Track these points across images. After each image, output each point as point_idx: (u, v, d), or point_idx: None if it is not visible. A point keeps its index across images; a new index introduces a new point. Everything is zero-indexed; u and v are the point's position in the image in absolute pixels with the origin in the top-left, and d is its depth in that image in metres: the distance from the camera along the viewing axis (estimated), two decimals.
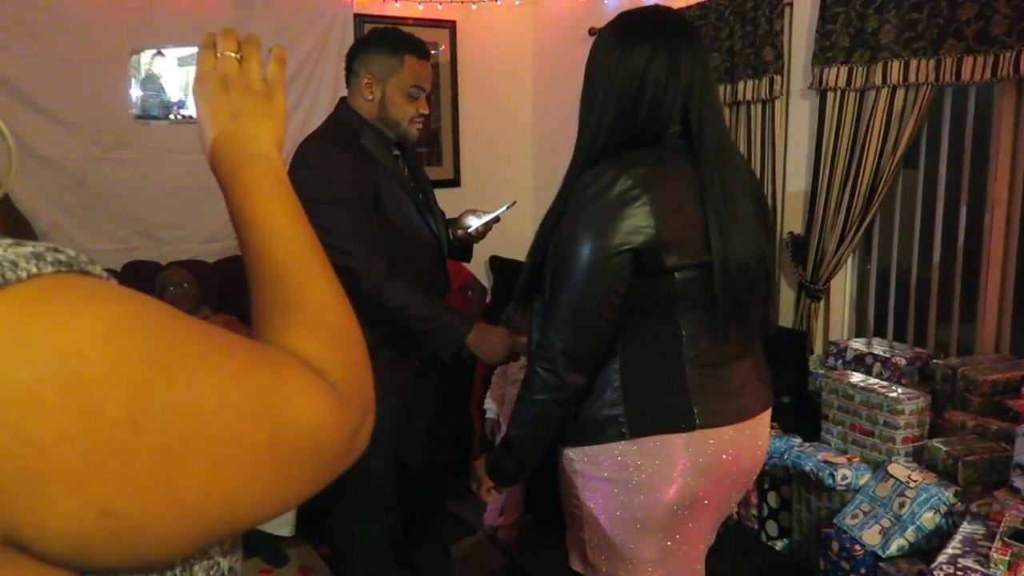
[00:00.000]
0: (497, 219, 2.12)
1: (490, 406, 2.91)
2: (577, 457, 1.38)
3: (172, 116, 0.71)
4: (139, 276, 2.97)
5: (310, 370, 0.52)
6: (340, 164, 1.77)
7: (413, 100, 1.87)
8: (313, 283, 0.60)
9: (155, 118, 0.72)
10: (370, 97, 1.85)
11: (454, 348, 1.80)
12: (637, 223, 1.23)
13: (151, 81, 0.71)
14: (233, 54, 0.67)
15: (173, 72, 0.70)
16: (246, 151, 0.64)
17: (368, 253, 1.76)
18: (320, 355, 0.55)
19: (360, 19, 3.54)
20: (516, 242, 2.33)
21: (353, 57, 1.88)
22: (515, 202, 2.14)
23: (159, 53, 0.71)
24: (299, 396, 0.49)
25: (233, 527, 0.49)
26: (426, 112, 1.91)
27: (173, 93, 0.71)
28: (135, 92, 0.71)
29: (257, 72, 0.67)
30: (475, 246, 2.22)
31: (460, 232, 2.11)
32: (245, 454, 0.46)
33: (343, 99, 1.93)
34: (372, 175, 1.82)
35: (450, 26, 3.77)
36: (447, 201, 2.31)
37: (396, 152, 1.95)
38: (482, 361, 1.90)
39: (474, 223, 2.09)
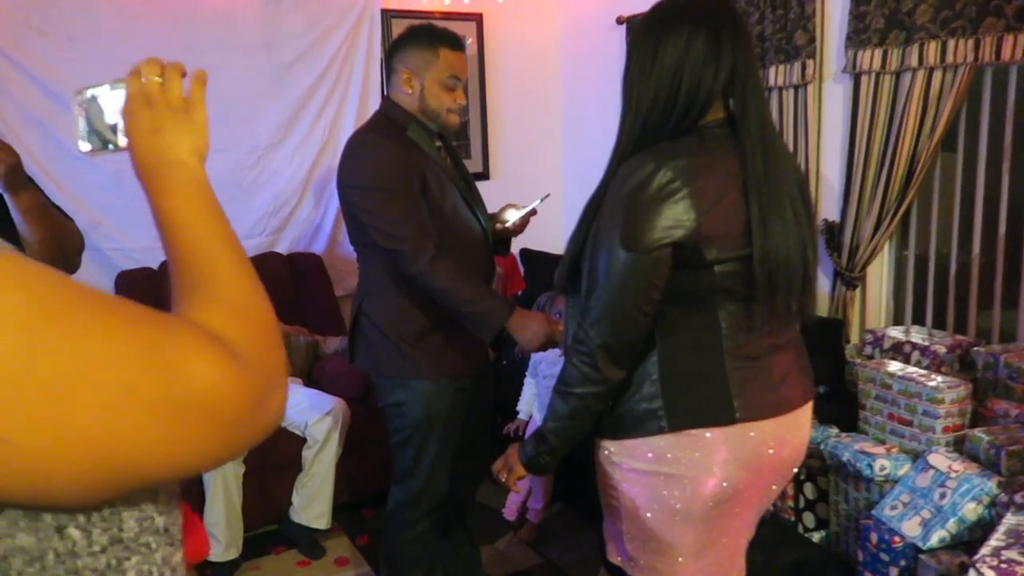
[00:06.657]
0: (534, 212, 2.17)
1: (523, 407, 2.92)
2: (615, 449, 1.37)
3: (111, 145, 0.78)
4: None
5: (207, 334, 0.56)
6: (387, 152, 1.86)
7: (451, 91, 1.94)
8: (219, 267, 0.66)
9: (99, 150, 0.79)
10: (410, 91, 1.93)
11: (494, 331, 1.85)
12: (678, 217, 1.21)
13: (91, 116, 0.78)
14: (156, 78, 0.75)
15: (109, 104, 0.78)
16: (163, 159, 0.72)
17: (416, 237, 1.82)
18: (220, 323, 0.59)
19: (387, 14, 3.55)
20: (546, 234, 2.34)
21: (391, 56, 1.97)
22: (549, 194, 2.19)
23: (95, 88, 0.79)
24: (194, 353, 0.53)
25: (135, 475, 0.52)
26: (463, 102, 1.99)
27: (111, 118, 0.78)
28: (80, 128, 0.79)
29: (178, 91, 0.75)
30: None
31: (499, 226, 2.17)
32: (138, 400, 0.49)
33: (386, 96, 2.01)
34: (419, 163, 1.89)
35: (476, 19, 3.77)
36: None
37: (439, 144, 2.02)
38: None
39: (512, 217, 2.15)
